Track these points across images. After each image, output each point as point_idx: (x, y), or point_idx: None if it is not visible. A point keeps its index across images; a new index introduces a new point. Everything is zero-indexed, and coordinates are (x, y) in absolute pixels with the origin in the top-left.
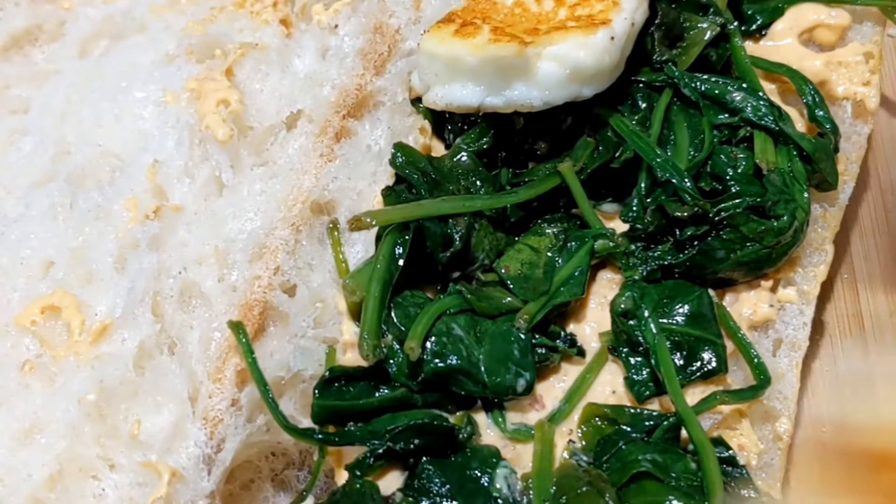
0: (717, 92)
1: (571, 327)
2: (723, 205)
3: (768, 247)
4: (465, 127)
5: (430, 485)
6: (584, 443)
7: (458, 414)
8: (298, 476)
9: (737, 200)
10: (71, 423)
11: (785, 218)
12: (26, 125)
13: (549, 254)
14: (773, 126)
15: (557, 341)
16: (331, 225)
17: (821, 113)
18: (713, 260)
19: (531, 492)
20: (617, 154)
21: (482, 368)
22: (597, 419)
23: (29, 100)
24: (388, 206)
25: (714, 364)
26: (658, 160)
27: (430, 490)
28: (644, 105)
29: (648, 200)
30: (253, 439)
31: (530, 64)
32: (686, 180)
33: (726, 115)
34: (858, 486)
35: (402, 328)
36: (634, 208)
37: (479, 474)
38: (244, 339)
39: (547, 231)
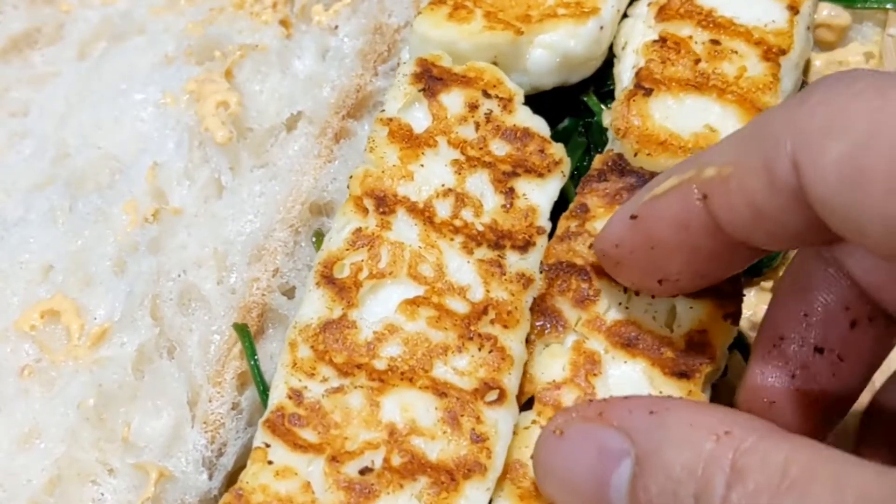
0: None
1: None
2: None
3: None
4: None
5: None
6: None
7: None
8: None
9: None
10: (70, 427)
11: None
12: (26, 128)
13: None
14: None
15: None
16: (315, 239)
17: None
18: None
19: None
20: None
21: None
22: None
23: (28, 103)
24: None
25: None
26: None
27: None
28: None
29: None
30: None
31: (522, 51)
32: None
33: None
34: None
35: None
36: None
37: None
38: (248, 343)
39: None
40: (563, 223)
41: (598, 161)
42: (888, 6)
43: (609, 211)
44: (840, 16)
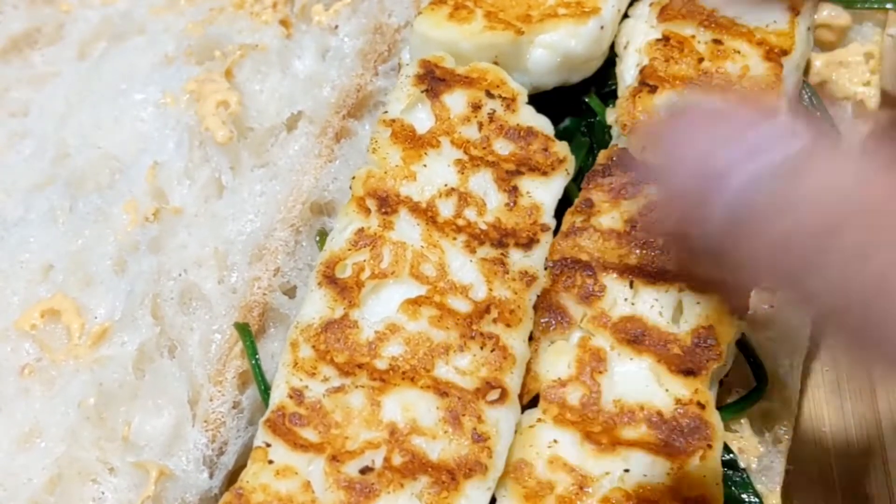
0: None
1: None
2: None
3: None
4: None
5: None
6: None
7: None
8: None
9: None
10: (70, 426)
11: None
12: (26, 128)
13: None
14: None
15: None
16: (318, 238)
17: (818, 114)
18: None
19: None
20: None
21: None
22: None
23: (28, 103)
24: None
25: None
26: None
27: None
28: None
29: None
30: None
31: (523, 51)
32: None
33: None
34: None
35: None
36: None
37: None
38: (249, 342)
39: None
40: (568, 218)
41: (602, 156)
42: (888, 6)
43: (614, 206)
44: (840, 16)
